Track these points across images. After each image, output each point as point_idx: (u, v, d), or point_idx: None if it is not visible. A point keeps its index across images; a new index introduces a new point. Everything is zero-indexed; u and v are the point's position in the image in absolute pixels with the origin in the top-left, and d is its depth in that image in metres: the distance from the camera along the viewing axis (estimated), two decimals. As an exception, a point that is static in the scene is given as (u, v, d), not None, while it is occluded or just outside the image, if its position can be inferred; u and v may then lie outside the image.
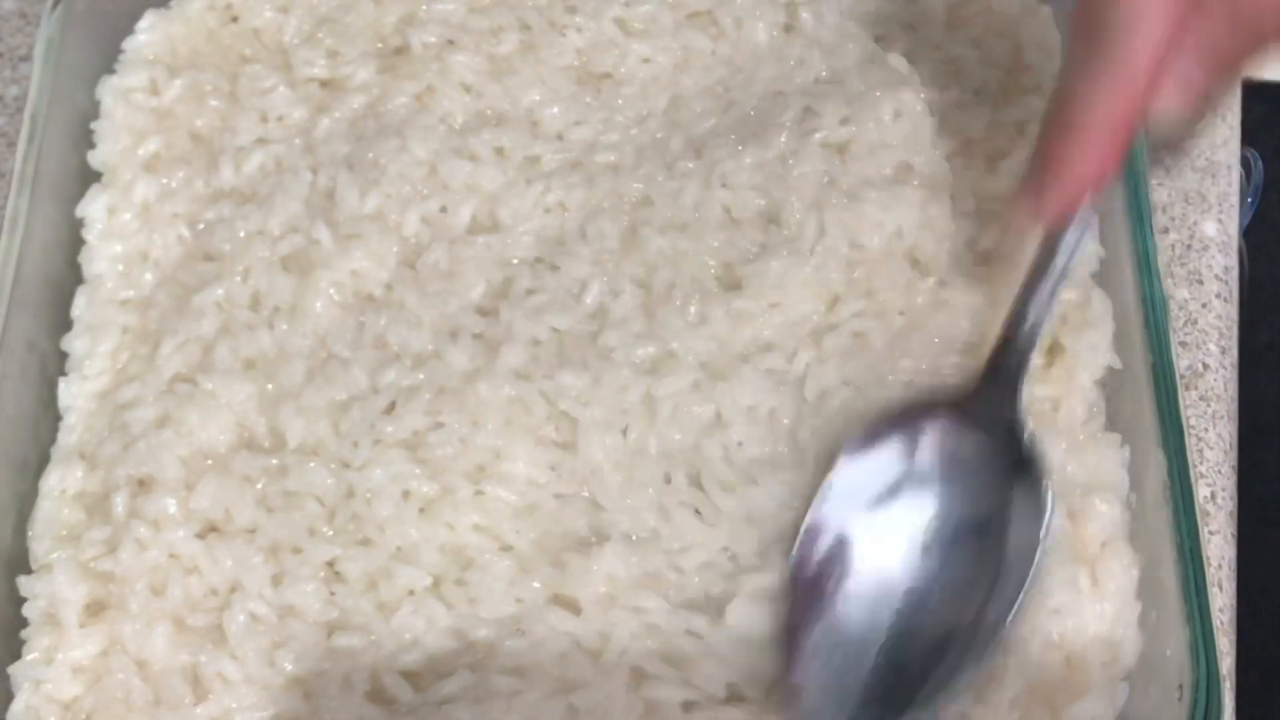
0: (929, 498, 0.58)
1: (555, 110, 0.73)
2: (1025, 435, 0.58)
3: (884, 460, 0.59)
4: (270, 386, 0.67)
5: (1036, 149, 0.58)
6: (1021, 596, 0.55)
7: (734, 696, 0.59)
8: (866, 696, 0.56)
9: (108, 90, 0.74)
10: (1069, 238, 0.59)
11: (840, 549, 0.58)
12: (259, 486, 0.64)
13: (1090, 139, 0.55)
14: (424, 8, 0.75)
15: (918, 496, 0.58)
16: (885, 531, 0.58)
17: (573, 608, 0.61)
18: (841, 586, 0.57)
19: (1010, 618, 0.55)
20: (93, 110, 0.73)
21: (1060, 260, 0.59)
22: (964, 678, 0.56)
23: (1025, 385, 0.59)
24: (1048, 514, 0.56)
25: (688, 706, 0.59)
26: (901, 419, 0.60)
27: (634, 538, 0.62)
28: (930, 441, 0.59)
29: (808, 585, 0.58)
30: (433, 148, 0.71)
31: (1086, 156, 0.55)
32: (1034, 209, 0.58)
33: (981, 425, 0.59)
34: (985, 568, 0.56)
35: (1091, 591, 0.61)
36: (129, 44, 0.75)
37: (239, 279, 0.69)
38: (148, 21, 0.76)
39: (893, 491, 0.59)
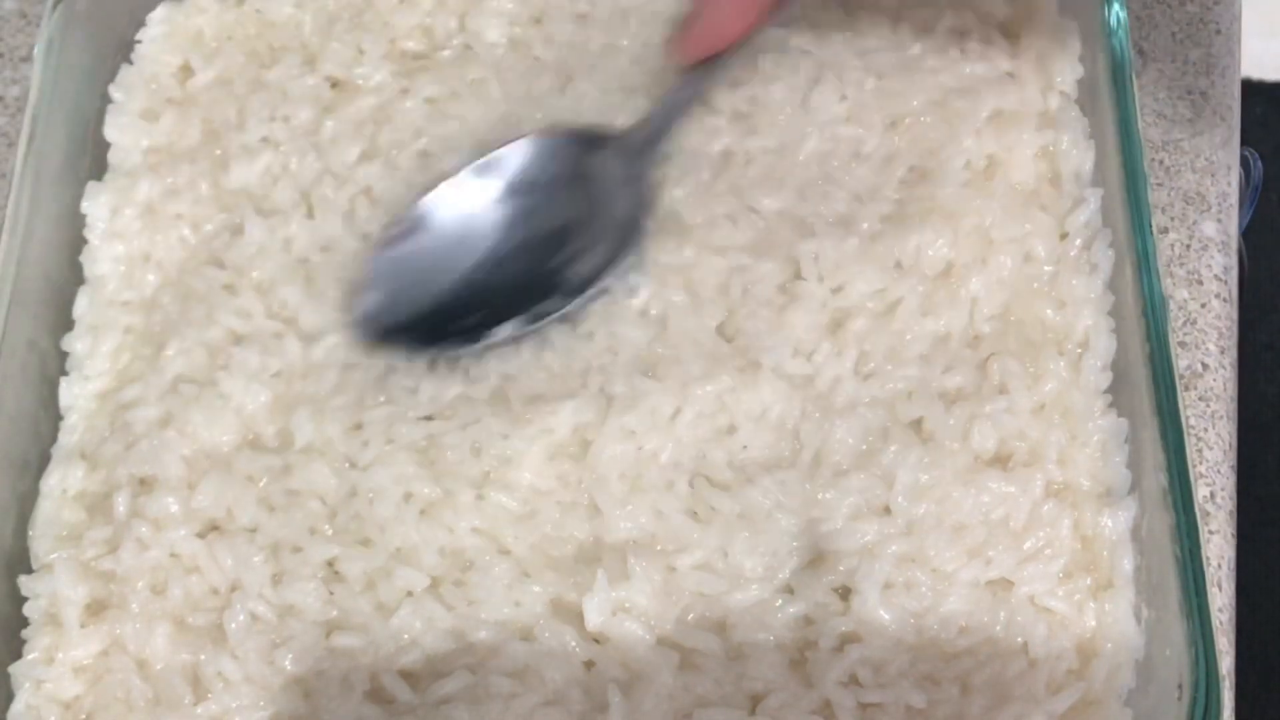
0: (548, 188, 0.69)
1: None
2: (645, 172, 0.68)
3: (516, 161, 0.69)
4: (286, 391, 0.66)
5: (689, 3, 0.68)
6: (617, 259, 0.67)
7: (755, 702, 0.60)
8: (438, 307, 0.67)
9: (112, 88, 0.74)
10: (701, 74, 0.68)
11: (442, 215, 0.68)
12: (261, 485, 0.64)
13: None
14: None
15: (536, 190, 0.69)
16: (489, 202, 0.68)
17: (574, 615, 0.61)
18: (435, 231, 0.68)
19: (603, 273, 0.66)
20: (93, 110, 0.73)
21: (690, 91, 0.69)
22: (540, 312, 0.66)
23: (652, 157, 0.69)
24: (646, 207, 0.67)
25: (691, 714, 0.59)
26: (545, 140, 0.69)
27: (632, 542, 0.62)
28: (558, 154, 0.69)
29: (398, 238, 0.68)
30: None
31: (726, 13, 0.65)
32: (680, 51, 0.68)
33: (613, 153, 0.69)
34: (582, 236, 0.67)
35: (1091, 591, 0.61)
36: (142, 34, 0.75)
37: (249, 283, 0.69)
38: (159, 14, 0.76)
39: (514, 186, 0.69)
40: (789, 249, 0.68)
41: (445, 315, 0.67)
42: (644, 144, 0.68)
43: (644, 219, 0.68)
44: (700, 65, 0.68)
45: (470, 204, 0.68)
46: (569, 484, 0.64)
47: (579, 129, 0.70)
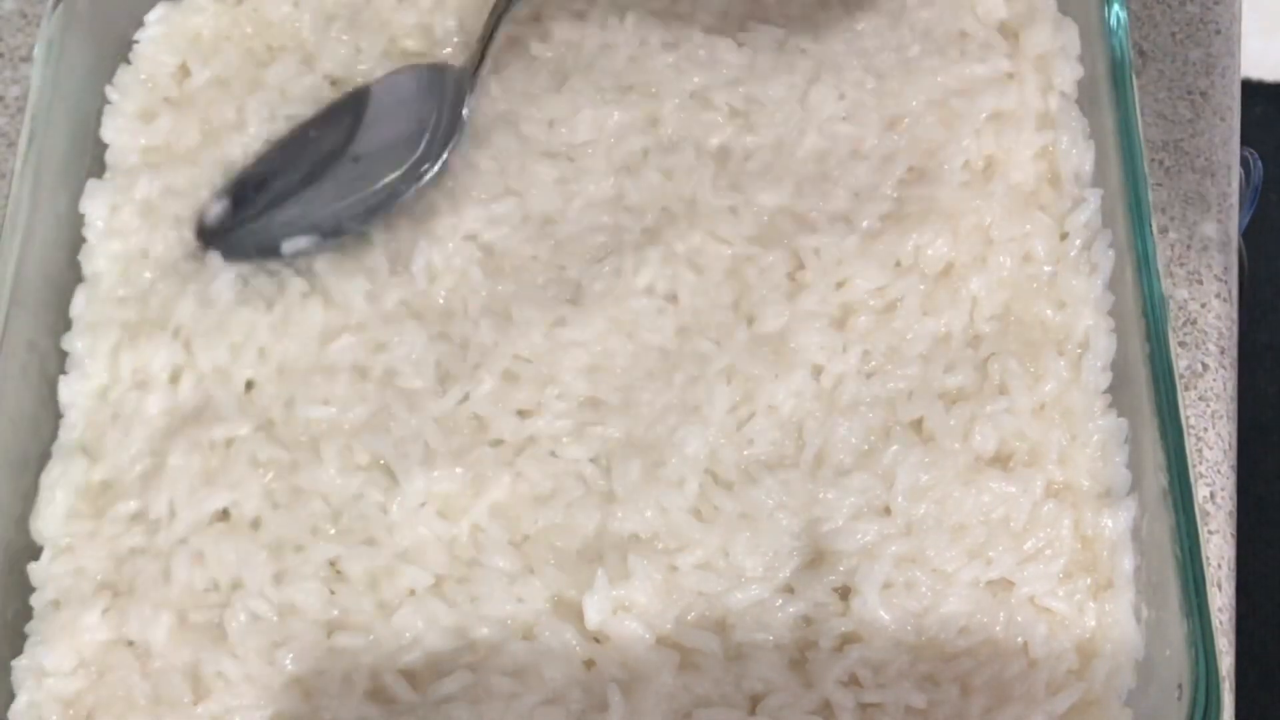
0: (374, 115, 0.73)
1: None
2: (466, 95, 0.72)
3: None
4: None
5: None
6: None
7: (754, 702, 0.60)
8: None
9: (113, 86, 0.74)
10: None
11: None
12: (268, 479, 0.64)
13: None
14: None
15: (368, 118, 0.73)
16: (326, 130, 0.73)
17: (575, 612, 0.61)
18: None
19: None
20: (93, 110, 0.73)
21: (493, 21, 0.72)
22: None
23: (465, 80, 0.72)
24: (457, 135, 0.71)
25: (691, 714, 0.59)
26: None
27: (634, 538, 0.62)
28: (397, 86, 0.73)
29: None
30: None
31: None
32: None
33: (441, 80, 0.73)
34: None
35: (1091, 591, 0.61)
36: (140, 35, 0.75)
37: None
38: (157, 14, 0.76)
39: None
40: (790, 241, 0.68)
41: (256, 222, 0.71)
42: (461, 71, 0.73)
43: (453, 131, 0.71)
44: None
45: (310, 135, 0.73)
46: (599, 466, 0.64)
47: (421, 66, 0.74)
